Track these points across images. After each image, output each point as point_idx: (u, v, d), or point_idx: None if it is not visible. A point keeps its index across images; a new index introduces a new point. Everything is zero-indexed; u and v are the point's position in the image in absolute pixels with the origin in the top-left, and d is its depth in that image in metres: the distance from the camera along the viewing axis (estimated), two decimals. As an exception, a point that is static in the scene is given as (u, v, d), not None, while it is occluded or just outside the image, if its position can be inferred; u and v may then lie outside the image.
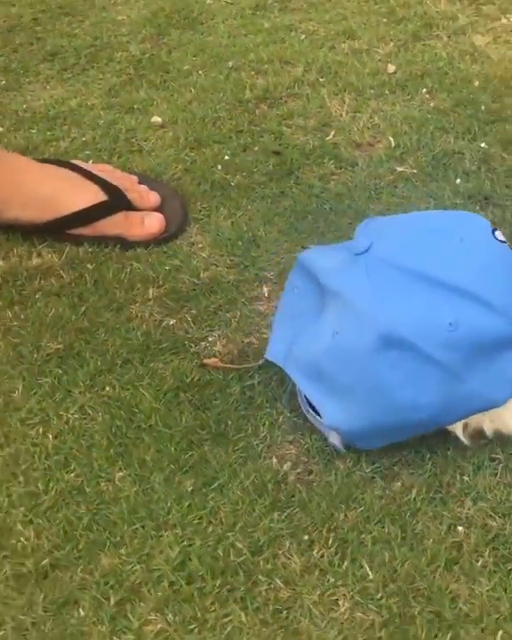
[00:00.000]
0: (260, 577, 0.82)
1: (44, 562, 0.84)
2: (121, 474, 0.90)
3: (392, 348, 0.81)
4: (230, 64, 1.40)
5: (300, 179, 1.21)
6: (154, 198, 1.15)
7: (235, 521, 0.86)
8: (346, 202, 1.17)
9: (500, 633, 0.78)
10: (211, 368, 0.99)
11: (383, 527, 0.85)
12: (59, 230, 1.12)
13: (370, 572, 0.82)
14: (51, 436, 0.93)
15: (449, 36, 1.43)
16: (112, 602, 0.81)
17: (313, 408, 0.90)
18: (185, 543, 0.85)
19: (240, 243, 1.12)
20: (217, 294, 1.07)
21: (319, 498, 0.87)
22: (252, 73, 1.38)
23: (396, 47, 1.41)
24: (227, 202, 1.18)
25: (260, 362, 0.96)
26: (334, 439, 0.89)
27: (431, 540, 0.84)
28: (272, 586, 0.82)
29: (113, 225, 1.12)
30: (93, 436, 0.93)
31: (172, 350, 1.01)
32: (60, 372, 0.99)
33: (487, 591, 0.80)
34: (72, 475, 0.90)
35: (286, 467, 0.90)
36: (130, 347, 1.01)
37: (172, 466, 0.90)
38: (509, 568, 0.82)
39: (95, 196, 1.12)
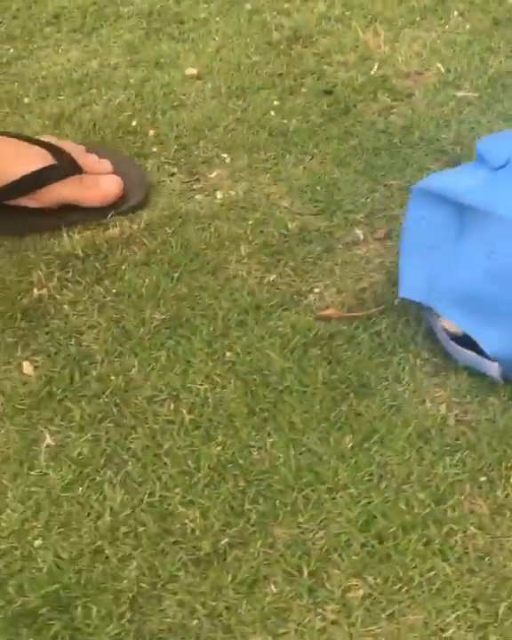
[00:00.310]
0: (452, 526, 0.78)
1: (221, 542, 0.78)
2: (271, 440, 0.85)
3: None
4: (248, 7, 1.33)
5: (359, 115, 1.15)
6: (105, 165, 1.07)
7: (408, 472, 0.82)
8: (415, 133, 1.12)
9: None
10: (331, 319, 0.94)
11: (561, 457, 0.82)
12: (4, 200, 1.04)
13: (561, 505, 0.79)
14: (184, 411, 0.87)
15: (468, -45, 1.38)
16: (305, 573, 0.76)
17: (460, 343, 0.86)
18: (363, 502, 0.80)
19: (319, 188, 1.07)
20: (311, 244, 1.01)
21: (487, 436, 0.83)
22: (274, 13, 1.32)
23: (415, -28, 1.36)
24: (291, 148, 1.12)
25: (397, 301, 0.91)
26: (493, 371, 0.85)
27: None
28: (467, 533, 0.78)
29: (66, 189, 1.04)
30: (230, 404, 0.87)
31: (283, 306, 0.95)
32: (173, 342, 0.93)
33: None
34: (219, 448, 0.85)
35: (442, 409, 0.86)
36: (239, 308, 0.95)
37: (323, 424, 0.85)
38: None
39: (43, 159, 1.04)
